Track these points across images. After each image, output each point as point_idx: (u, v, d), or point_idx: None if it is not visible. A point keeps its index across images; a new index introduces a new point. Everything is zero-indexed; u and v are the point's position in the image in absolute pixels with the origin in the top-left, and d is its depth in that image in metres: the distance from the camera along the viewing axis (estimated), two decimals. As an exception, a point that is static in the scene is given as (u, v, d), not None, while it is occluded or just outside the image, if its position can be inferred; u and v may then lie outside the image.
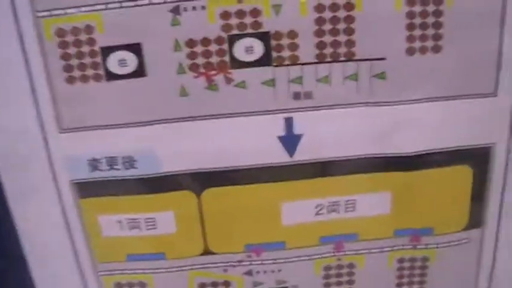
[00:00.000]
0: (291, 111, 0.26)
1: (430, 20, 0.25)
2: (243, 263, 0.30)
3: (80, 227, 0.29)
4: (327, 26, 0.25)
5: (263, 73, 0.26)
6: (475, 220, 0.30)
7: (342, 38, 0.25)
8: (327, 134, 0.27)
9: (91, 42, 0.25)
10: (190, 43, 0.25)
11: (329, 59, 0.26)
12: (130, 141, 0.27)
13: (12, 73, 0.26)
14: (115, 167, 0.27)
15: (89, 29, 0.25)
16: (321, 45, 0.25)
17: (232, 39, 0.25)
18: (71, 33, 0.25)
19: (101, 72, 0.26)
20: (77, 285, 0.30)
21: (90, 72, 0.26)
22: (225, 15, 0.25)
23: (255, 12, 0.25)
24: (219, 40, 0.25)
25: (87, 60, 0.25)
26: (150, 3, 0.24)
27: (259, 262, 0.30)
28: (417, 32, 0.25)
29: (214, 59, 0.25)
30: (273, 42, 0.25)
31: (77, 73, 0.26)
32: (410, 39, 0.26)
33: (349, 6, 0.25)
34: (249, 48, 0.25)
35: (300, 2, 0.25)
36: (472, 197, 0.29)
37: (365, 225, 0.29)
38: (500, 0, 0.25)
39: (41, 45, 0.25)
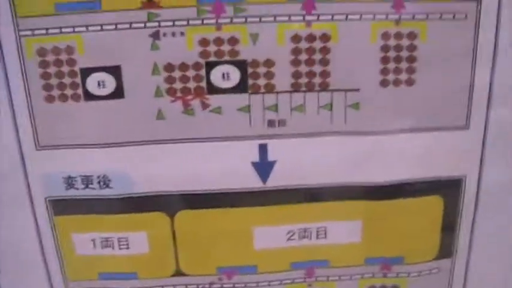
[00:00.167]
0: (265, 138, 0.27)
1: (404, 53, 0.26)
2: (214, 286, 0.30)
3: (53, 243, 0.29)
4: (303, 56, 0.26)
5: (239, 100, 0.26)
6: (446, 250, 0.30)
7: (318, 68, 0.26)
8: (301, 161, 0.27)
9: (71, 62, 0.26)
10: (169, 68, 0.26)
11: (304, 89, 0.26)
12: (106, 161, 0.27)
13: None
14: (90, 185, 0.28)
15: (69, 49, 0.25)
16: (296, 75, 0.26)
17: (210, 66, 0.26)
18: (52, 53, 0.25)
19: (80, 92, 0.26)
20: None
21: (69, 92, 0.26)
22: (204, 42, 0.25)
23: (233, 41, 0.25)
24: (196, 66, 0.26)
25: (67, 80, 0.26)
26: (131, 27, 0.25)
27: (231, 285, 0.30)
28: (391, 65, 0.26)
29: (192, 84, 0.26)
30: (250, 70, 0.26)
31: (56, 92, 0.26)
32: (384, 71, 0.26)
33: (325, 38, 0.25)
34: (225, 75, 0.26)
35: (277, 32, 0.25)
36: (442, 227, 0.29)
37: (336, 252, 0.29)
38: (472, 36, 0.26)
39: (22, 64, 0.26)
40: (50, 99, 0.26)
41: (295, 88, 0.26)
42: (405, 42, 0.26)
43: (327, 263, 0.30)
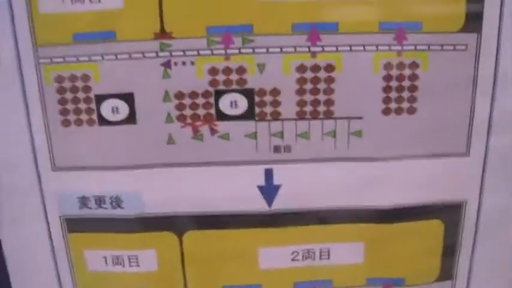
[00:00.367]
0: (271, 163, 0.28)
1: (406, 83, 0.27)
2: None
3: (66, 259, 0.30)
4: (308, 86, 0.27)
5: (246, 126, 0.27)
6: (446, 272, 0.31)
7: (322, 97, 0.27)
8: (305, 185, 0.28)
9: (87, 89, 0.27)
10: (179, 95, 0.27)
11: (309, 116, 0.27)
12: (118, 182, 0.28)
13: (12, 113, 0.27)
14: (103, 205, 0.29)
15: (85, 77, 0.27)
16: (301, 103, 0.27)
17: (219, 94, 0.27)
18: (69, 80, 0.27)
19: (95, 117, 0.27)
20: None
21: (84, 117, 0.27)
22: (213, 71, 0.26)
23: (241, 70, 0.27)
24: (206, 94, 0.27)
25: (82, 105, 0.27)
26: (144, 57, 0.26)
27: (236, 303, 0.32)
28: (393, 94, 0.27)
29: (201, 111, 0.27)
30: (257, 98, 0.27)
31: (72, 117, 0.27)
32: (386, 100, 0.27)
33: (330, 68, 0.27)
34: (233, 103, 0.27)
35: (283, 62, 0.27)
36: (443, 250, 0.30)
37: (339, 272, 0.30)
38: (472, 66, 0.27)
39: (41, 89, 0.27)
40: (66, 123, 0.27)
41: (300, 116, 0.27)
42: (407, 72, 0.27)
43: (330, 283, 0.31)
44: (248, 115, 0.27)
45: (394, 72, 0.27)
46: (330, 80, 0.27)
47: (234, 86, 0.27)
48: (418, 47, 0.26)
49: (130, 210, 0.29)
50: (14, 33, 0.26)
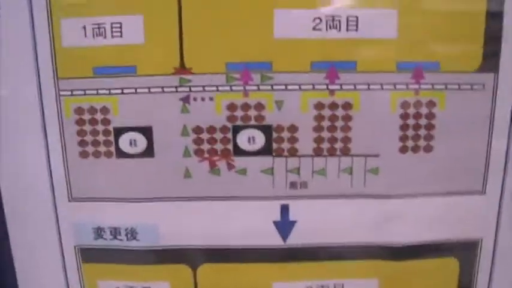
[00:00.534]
0: (287, 198, 0.28)
1: (423, 121, 0.27)
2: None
3: (80, 289, 0.31)
4: (326, 123, 0.27)
5: (263, 162, 0.27)
6: (461, 310, 0.31)
7: (339, 134, 0.27)
8: (320, 222, 0.28)
9: (106, 122, 0.27)
10: (197, 130, 0.27)
11: (326, 153, 0.27)
12: (134, 215, 0.28)
13: (32, 143, 0.28)
14: (118, 237, 0.29)
15: (105, 110, 0.27)
16: (318, 140, 0.27)
17: (237, 129, 0.27)
18: (88, 112, 0.27)
19: (113, 149, 0.27)
20: None
21: (102, 149, 0.28)
22: (231, 107, 0.27)
23: (259, 107, 0.27)
24: (224, 129, 0.27)
25: (101, 138, 0.27)
26: (163, 92, 0.27)
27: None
28: (410, 132, 0.27)
29: (219, 146, 0.27)
30: (274, 135, 0.27)
31: (90, 149, 0.28)
32: (403, 138, 0.27)
33: (348, 106, 0.27)
34: (251, 139, 0.27)
35: (301, 100, 0.27)
36: (458, 288, 0.31)
37: (353, 308, 0.31)
38: (489, 105, 0.27)
39: (60, 121, 0.27)
40: (84, 154, 0.28)
41: (317, 152, 0.27)
42: (424, 110, 0.27)
43: (343, 319, 0.31)
44: (265, 151, 0.27)
45: (411, 110, 0.27)
46: (347, 118, 0.27)
47: (252, 122, 0.27)
48: (435, 86, 0.27)
49: (145, 242, 0.29)
50: (36, 65, 0.27)
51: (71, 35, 0.26)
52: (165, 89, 0.26)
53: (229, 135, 0.27)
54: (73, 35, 0.26)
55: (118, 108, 0.27)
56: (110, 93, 0.27)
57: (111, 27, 0.26)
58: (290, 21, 0.26)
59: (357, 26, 0.26)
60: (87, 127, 0.27)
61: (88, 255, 0.29)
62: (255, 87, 0.26)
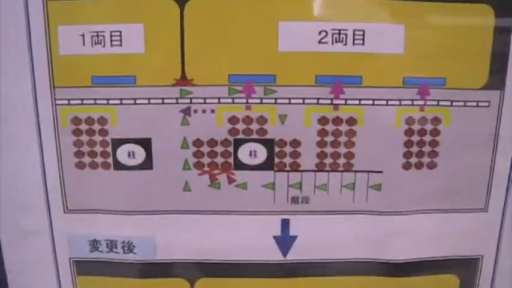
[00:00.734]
0: (288, 213, 0.27)
1: (428, 138, 0.27)
2: None
3: (74, 302, 0.30)
4: (329, 138, 0.26)
5: (264, 176, 0.27)
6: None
7: (342, 150, 0.27)
8: (321, 237, 0.28)
9: (103, 132, 0.26)
10: (198, 143, 0.26)
11: (328, 168, 0.27)
12: (131, 227, 0.28)
13: (27, 153, 0.27)
14: (114, 250, 0.28)
15: (102, 120, 0.26)
16: (321, 155, 0.27)
17: (238, 143, 0.26)
18: (85, 123, 0.26)
19: (110, 161, 0.27)
20: None
21: (99, 160, 0.27)
22: (233, 120, 0.26)
23: (262, 120, 0.26)
24: (225, 142, 0.26)
25: (98, 149, 0.27)
26: (163, 103, 0.26)
27: None
28: (414, 149, 0.27)
29: (219, 160, 0.27)
30: (277, 149, 0.27)
31: (86, 160, 0.27)
32: (407, 155, 0.27)
33: (352, 121, 0.26)
34: (253, 153, 0.27)
35: (305, 114, 0.26)
36: (458, 305, 0.31)
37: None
38: (494, 123, 0.27)
39: (56, 131, 0.26)
40: (80, 165, 0.27)
41: (320, 168, 0.27)
42: (429, 127, 0.27)
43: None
44: (267, 165, 0.27)
45: (416, 126, 0.26)
46: (351, 133, 0.26)
47: (254, 136, 0.26)
48: (440, 103, 0.26)
49: (142, 255, 0.28)
50: (32, 73, 0.26)
51: (68, 43, 0.25)
52: (165, 101, 0.26)
53: (231, 149, 0.26)
54: (71, 43, 0.25)
55: (116, 119, 0.26)
56: (108, 104, 0.26)
57: (111, 36, 0.25)
58: (295, 34, 0.25)
59: (363, 40, 0.25)
60: (84, 137, 0.26)
61: (83, 267, 0.28)
62: (257, 100, 0.26)
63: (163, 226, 0.27)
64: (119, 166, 0.27)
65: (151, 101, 0.26)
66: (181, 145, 0.26)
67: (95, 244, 0.28)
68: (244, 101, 0.26)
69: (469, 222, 0.28)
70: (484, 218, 0.28)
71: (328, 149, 0.26)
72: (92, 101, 0.26)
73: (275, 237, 0.28)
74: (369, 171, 0.27)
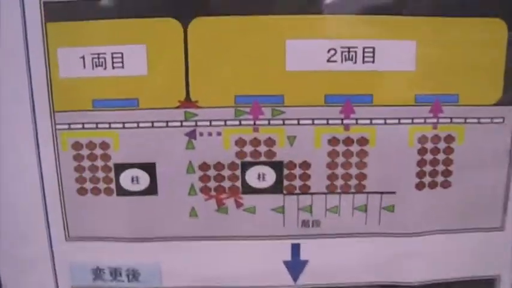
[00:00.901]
0: (298, 237, 0.27)
1: (441, 156, 0.26)
2: None
3: (77, 332, 0.29)
4: (340, 159, 0.26)
5: (273, 200, 0.26)
6: None
7: (354, 171, 0.26)
8: (332, 261, 0.27)
9: (106, 157, 0.26)
10: (204, 167, 0.26)
11: (339, 190, 0.26)
12: (136, 254, 0.27)
13: (26, 179, 0.26)
14: (119, 278, 0.27)
15: (104, 145, 0.25)
16: (332, 177, 0.26)
17: (246, 166, 0.26)
18: (87, 147, 0.25)
19: (113, 187, 0.26)
20: None
21: (102, 186, 0.26)
22: (240, 142, 0.25)
23: (270, 142, 0.25)
24: (232, 166, 0.26)
25: (100, 174, 0.26)
26: (167, 126, 0.25)
27: None
28: (427, 168, 0.26)
29: (226, 184, 0.26)
30: (286, 172, 0.26)
31: (88, 185, 0.26)
32: (420, 174, 0.26)
33: (363, 141, 0.25)
34: (261, 176, 0.26)
35: (315, 135, 0.25)
36: (475, 325, 0.30)
37: None
38: (508, 139, 0.26)
39: (57, 156, 0.26)
40: (82, 191, 0.26)
41: (331, 190, 0.26)
42: (442, 145, 0.26)
43: None
44: (276, 188, 0.26)
45: (429, 145, 0.26)
46: (363, 154, 0.25)
47: (262, 158, 0.25)
48: (454, 120, 0.25)
49: (147, 283, 0.27)
50: (31, 97, 0.25)
51: (68, 66, 0.24)
52: (170, 124, 0.25)
53: (238, 172, 0.26)
54: (71, 66, 0.24)
55: (119, 144, 0.25)
56: (110, 128, 0.25)
57: (112, 58, 0.24)
58: (303, 53, 0.24)
59: (373, 57, 0.24)
60: (86, 163, 0.26)
61: (86, 296, 0.28)
62: (265, 122, 0.25)
63: (169, 253, 0.26)
64: (122, 192, 0.26)
65: (155, 124, 0.25)
66: (187, 169, 0.25)
67: (98, 272, 0.27)
68: (251, 122, 0.25)
69: (485, 242, 0.27)
70: (501, 237, 0.27)
71: (339, 171, 0.26)
72: (94, 125, 0.25)
73: (285, 262, 0.27)
74: (381, 193, 0.26)
